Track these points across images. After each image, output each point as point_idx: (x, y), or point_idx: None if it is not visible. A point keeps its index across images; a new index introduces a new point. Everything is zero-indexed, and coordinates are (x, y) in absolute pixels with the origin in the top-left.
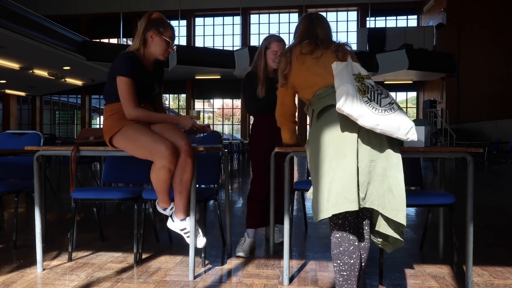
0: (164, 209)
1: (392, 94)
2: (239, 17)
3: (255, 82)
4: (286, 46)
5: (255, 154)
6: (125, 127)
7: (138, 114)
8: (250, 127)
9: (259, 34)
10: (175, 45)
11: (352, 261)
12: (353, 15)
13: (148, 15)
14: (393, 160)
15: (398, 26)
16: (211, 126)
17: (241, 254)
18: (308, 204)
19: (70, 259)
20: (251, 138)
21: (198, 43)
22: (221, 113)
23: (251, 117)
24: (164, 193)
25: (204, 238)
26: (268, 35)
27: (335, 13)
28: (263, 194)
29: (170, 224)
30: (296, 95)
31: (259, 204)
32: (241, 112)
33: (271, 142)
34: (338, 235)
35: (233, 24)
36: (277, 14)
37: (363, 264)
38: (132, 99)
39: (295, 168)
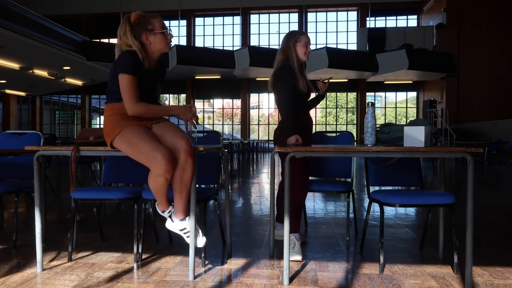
0: (163, 212)
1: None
2: (239, 17)
3: (294, 75)
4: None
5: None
6: (125, 130)
7: (139, 108)
8: (280, 126)
9: (259, 34)
10: (170, 29)
11: None
12: (353, 15)
13: (127, 20)
14: None
15: (398, 26)
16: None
17: (298, 258)
18: (308, 204)
19: (70, 259)
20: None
21: (198, 43)
22: (221, 113)
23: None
24: (162, 197)
25: (204, 237)
26: (290, 31)
27: (335, 13)
28: (305, 195)
29: (169, 225)
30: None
31: (301, 206)
32: (241, 112)
33: (309, 140)
34: None
35: (233, 24)
36: (277, 14)
37: None
38: (133, 95)
39: None
